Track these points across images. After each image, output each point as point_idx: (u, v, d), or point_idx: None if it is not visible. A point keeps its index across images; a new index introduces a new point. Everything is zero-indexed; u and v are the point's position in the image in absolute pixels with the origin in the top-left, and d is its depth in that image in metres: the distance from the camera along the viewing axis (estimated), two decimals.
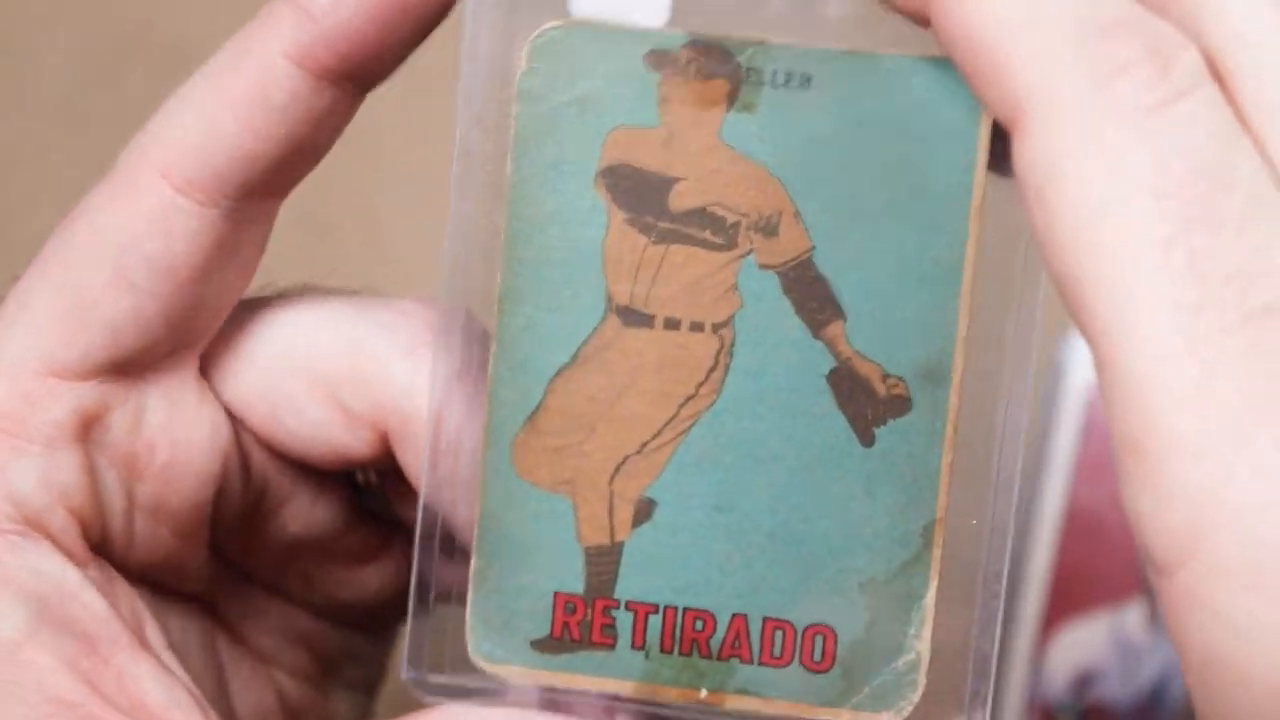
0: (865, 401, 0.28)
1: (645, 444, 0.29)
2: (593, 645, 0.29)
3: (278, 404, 0.31)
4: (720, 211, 0.28)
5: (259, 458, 0.32)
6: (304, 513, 0.33)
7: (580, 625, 0.29)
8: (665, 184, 0.28)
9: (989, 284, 0.28)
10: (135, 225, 0.29)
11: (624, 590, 0.29)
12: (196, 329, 0.30)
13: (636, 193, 0.28)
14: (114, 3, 0.56)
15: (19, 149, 0.56)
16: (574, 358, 0.29)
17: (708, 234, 0.28)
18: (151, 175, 0.29)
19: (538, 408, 0.29)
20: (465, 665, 0.29)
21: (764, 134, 0.28)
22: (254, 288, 0.32)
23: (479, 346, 0.29)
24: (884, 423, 0.28)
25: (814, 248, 0.28)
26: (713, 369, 0.28)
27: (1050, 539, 0.50)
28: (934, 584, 0.29)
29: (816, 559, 0.29)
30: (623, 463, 0.29)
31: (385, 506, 0.34)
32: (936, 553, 0.29)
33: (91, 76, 0.55)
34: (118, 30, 0.55)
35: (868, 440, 0.28)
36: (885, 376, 0.28)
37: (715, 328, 0.28)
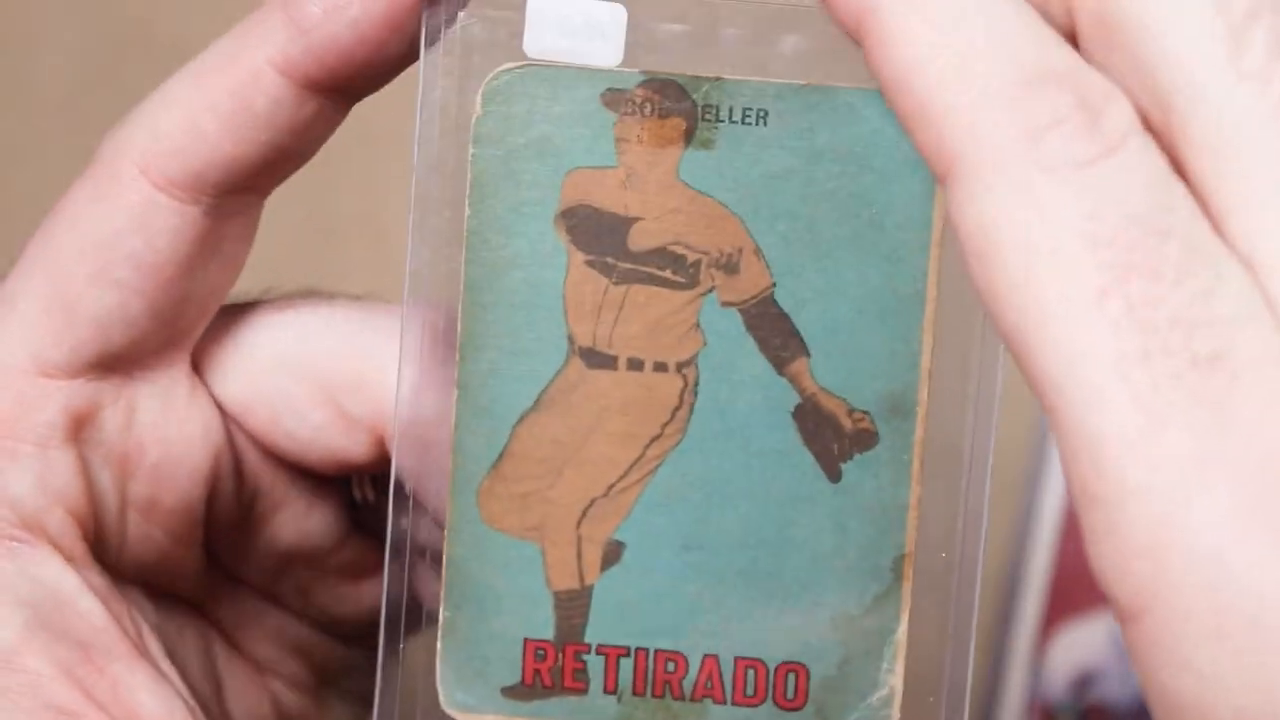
0: (831, 437, 0.28)
1: (612, 486, 0.28)
2: (565, 691, 0.29)
3: (276, 406, 0.31)
4: (681, 250, 0.28)
5: (253, 459, 0.32)
6: (298, 520, 0.33)
7: (552, 671, 0.29)
8: (625, 224, 0.28)
9: (951, 315, 0.28)
10: (116, 222, 0.29)
11: (595, 634, 0.29)
12: (184, 325, 0.30)
13: (596, 234, 0.28)
14: (114, 2, 0.56)
15: (19, 149, 0.56)
16: (538, 402, 0.28)
17: (669, 273, 0.28)
18: (131, 172, 0.29)
19: (502, 454, 0.28)
20: (438, 716, 0.29)
21: (722, 171, 0.28)
22: (257, 292, 0.32)
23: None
24: (851, 458, 0.28)
25: (775, 284, 0.28)
26: (677, 408, 0.28)
27: (1050, 539, 0.49)
28: (906, 618, 0.28)
29: (787, 596, 0.28)
30: (590, 506, 0.28)
31: (381, 523, 0.34)
32: (907, 586, 0.28)
33: (91, 76, 0.55)
34: (118, 30, 0.55)
35: (835, 476, 0.28)
36: (851, 411, 0.28)
37: (679, 367, 0.28)
